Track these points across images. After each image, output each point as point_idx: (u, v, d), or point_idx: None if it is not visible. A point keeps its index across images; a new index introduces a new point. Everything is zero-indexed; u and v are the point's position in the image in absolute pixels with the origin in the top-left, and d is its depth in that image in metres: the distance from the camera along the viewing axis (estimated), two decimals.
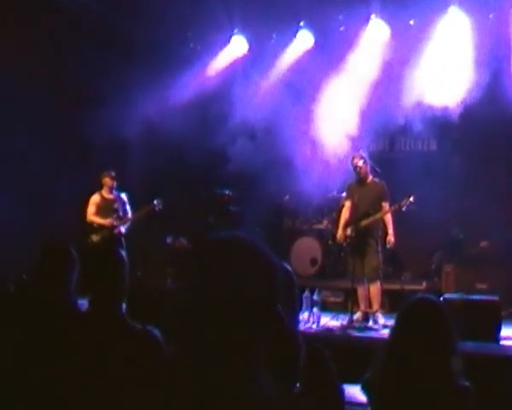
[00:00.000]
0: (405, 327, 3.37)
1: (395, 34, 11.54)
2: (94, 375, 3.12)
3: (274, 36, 12.52)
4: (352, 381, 3.64)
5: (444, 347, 3.27)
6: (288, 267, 3.27)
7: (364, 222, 9.30)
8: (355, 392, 4.37)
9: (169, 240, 12.30)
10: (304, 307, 8.54)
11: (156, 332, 3.38)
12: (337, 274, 11.70)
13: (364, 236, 9.31)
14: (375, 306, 9.24)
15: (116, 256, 3.62)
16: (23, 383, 3.42)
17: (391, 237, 9.27)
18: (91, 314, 3.51)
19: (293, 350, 3.16)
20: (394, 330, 3.48)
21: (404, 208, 9.18)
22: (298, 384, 2.84)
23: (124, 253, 3.73)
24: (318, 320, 8.73)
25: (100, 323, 3.39)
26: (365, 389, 3.48)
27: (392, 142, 13.22)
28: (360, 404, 3.92)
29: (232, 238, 1.71)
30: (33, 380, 3.34)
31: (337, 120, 11.19)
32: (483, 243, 11.08)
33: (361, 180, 9.47)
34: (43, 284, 4.03)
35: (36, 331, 3.58)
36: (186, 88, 12.11)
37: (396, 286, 10.47)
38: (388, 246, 9.36)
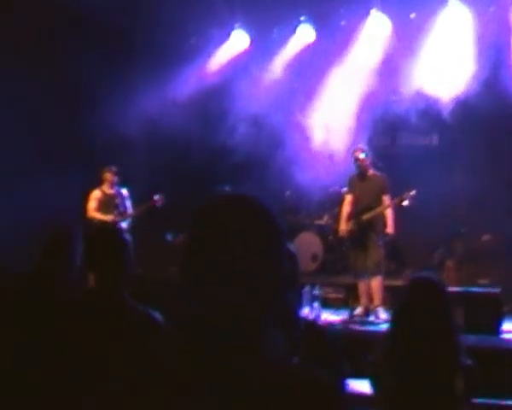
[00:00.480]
0: (407, 306, 3.40)
1: (396, 28, 11.50)
2: (95, 356, 3.10)
3: (275, 30, 12.50)
4: (354, 375, 3.64)
5: (446, 323, 3.29)
6: (292, 248, 3.26)
7: (366, 216, 9.27)
8: (357, 385, 4.35)
9: (169, 237, 12.26)
10: (304, 303, 8.51)
11: (157, 315, 3.39)
12: (338, 270, 11.66)
13: (366, 229, 9.28)
14: (377, 301, 9.19)
15: (120, 236, 3.63)
16: (24, 368, 3.42)
17: (390, 229, 9.22)
18: (95, 293, 3.51)
19: (293, 323, 3.15)
20: (397, 309, 3.52)
21: (405, 202, 9.16)
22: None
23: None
24: (319, 315, 8.69)
25: (104, 302, 3.40)
26: (369, 372, 3.51)
27: (394, 136, 13.17)
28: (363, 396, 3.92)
29: (244, 195, 1.69)
30: (35, 364, 3.36)
31: (338, 114, 11.15)
32: (485, 238, 11.05)
33: (362, 174, 9.43)
34: (46, 270, 4.01)
35: (39, 316, 3.58)
36: (187, 83, 12.10)
37: (398, 282, 10.42)
38: (387, 238, 9.33)
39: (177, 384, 1.53)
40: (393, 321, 3.52)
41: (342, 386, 3.53)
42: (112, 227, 8.24)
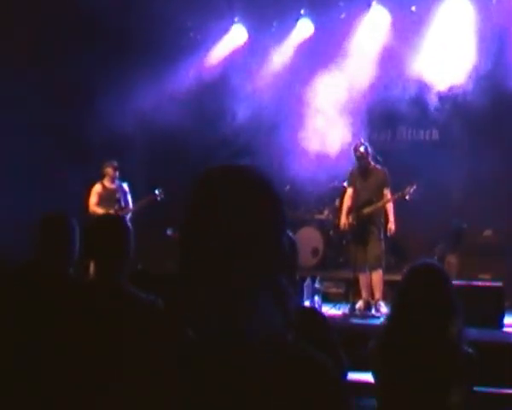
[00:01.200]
0: (408, 292, 3.36)
1: (396, 21, 11.46)
2: (97, 344, 3.12)
3: (274, 24, 12.46)
4: (354, 368, 3.63)
5: (447, 312, 3.26)
6: (291, 234, 3.22)
7: (367, 210, 9.27)
8: (357, 376, 4.33)
9: (169, 232, 12.24)
10: (305, 296, 8.48)
11: (159, 302, 3.42)
12: (338, 265, 11.72)
13: (367, 224, 9.28)
14: (377, 294, 9.21)
15: (123, 223, 3.64)
16: (24, 361, 3.38)
17: (391, 225, 9.24)
18: (97, 282, 3.52)
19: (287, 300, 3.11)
20: (396, 296, 3.49)
21: (407, 197, 9.18)
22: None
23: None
24: (320, 309, 8.66)
25: (105, 290, 3.38)
26: (369, 358, 3.47)
27: (394, 131, 13.16)
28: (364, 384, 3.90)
29: (244, 167, 1.63)
30: (35, 354, 3.31)
31: (338, 108, 11.11)
32: (486, 233, 11.05)
33: (363, 168, 9.42)
34: (44, 256, 3.97)
35: (38, 304, 3.54)
36: (185, 77, 12.10)
37: (398, 277, 10.34)
38: (389, 234, 9.33)
39: (179, 367, 1.52)
40: (394, 307, 3.51)
41: (341, 372, 3.51)
42: (114, 215, 8.24)
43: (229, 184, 1.57)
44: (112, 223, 3.66)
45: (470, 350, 3.31)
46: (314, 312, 4.17)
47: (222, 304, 1.51)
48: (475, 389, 3.39)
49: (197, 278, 1.54)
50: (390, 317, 3.49)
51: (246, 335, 1.50)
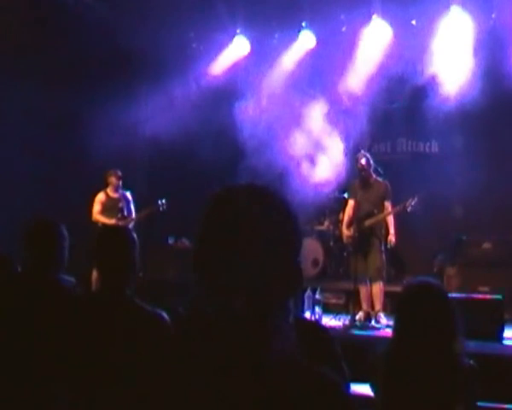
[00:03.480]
0: (408, 309, 3.35)
1: (397, 34, 11.53)
2: (100, 355, 3.13)
3: (276, 36, 12.53)
4: (354, 379, 3.63)
5: (447, 328, 3.25)
6: None
7: (368, 222, 9.31)
8: (357, 388, 4.34)
9: (171, 241, 12.30)
10: (306, 307, 8.51)
11: (165, 315, 3.37)
12: (339, 276, 11.76)
13: (368, 235, 9.32)
14: (378, 306, 9.24)
15: (129, 235, 3.59)
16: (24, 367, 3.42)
17: (392, 237, 9.28)
18: (102, 294, 3.50)
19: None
20: (397, 314, 3.45)
21: (408, 209, 9.20)
22: None
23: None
24: (320, 320, 8.69)
25: (110, 302, 3.37)
26: (369, 371, 3.47)
27: (394, 144, 13.22)
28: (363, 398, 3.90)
29: (258, 187, 1.62)
30: (35, 364, 3.34)
31: (339, 120, 11.16)
32: (486, 245, 11.05)
33: (364, 180, 9.47)
34: (33, 264, 3.91)
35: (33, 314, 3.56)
36: (189, 88, 12.12)
37: (398, 288, 10.36)
38: (389, 246, 9.36)
39: (186, 385, 1.50)
40: (397, 321, 3.47)
41: (347, 386, 3.53)
42: (120, 226, 8.31)
43: (252, 204, 1.55)
44: (118, 234, 3.64)
45: (472, 362, 3.31)
46: (316, 325, 4.19)
47: (241, 322, 1.50)
48: (478, 403, 3.38)
49: (215, 298, 1.53)
50: (394, 331, 3.47)
51: (257, 358, 1.48)
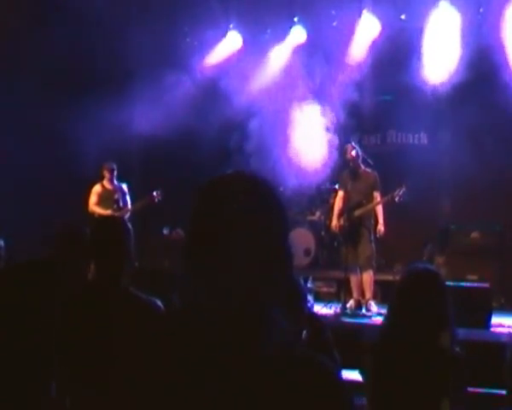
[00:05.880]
0: (408, 295, 3.41)
1: (386, 28, 11.66)
2: (98, 344, 3.18)
3: (268, 31, 12.66)
4: (345, 366, 3.68)
5: (443, 315, 3.36)
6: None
7: (357, 212, 9.47)
8: (347, 375, 4.46)
9: (166, 231, 12.39)
10: None
11: (159, 303, 3.43)
12: (330, 265, 11.85)
13: (358, 225, 9.47)
14: (368, 294, 9.38)
15: (124, 225, 3.66)
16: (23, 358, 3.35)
17: (381, 227, 9.43)
18: (97, 283, 3.54)
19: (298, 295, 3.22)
20: (395, 297, 3.51)
21: (396, 199, 9.33)
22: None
23: None
24: (311, 308, 8.84)
25: (105, 291, 3.42)
26: (361, 357, 3.54)
27: (384, 135, 13.36)
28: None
29: (246, 175, 1.62)
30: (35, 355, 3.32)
31: (329, 113, 11.28)
32: (474, 234, 11.17)
33: (353, 170, 9.62)
34: (59, 259, 3.97)
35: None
36: (183, 81, 12.20)
37: (388, 277, 10.59)
38: (378, 235, 9.50)
39: (179, 373, 1.51)
40: (392, 308, 3.52)
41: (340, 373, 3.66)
42: (115, 216, 8.54)
43: (242, 192, 1.56)
44: (113, 224, 3.70)
45: (458, 350, 3.38)
46: (314, 317, 4.28)
47: (233, 311, 1.51)
48: (467, 390, 3.49)
49: (205, 287, 1.54)
50: (387, 317, 3.53)
51: (257, 344, 1.50)
